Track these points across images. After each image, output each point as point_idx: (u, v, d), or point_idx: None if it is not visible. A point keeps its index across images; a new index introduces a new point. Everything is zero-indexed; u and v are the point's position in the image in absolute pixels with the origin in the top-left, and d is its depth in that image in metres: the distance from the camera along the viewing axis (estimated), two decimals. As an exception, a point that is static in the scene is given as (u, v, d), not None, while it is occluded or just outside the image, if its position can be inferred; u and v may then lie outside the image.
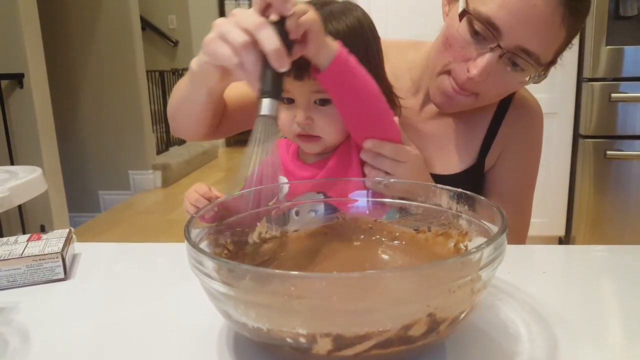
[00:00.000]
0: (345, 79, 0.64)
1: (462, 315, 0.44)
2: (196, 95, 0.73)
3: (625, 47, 2.06)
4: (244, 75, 0.57)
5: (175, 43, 5.14)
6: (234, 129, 0.92)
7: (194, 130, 0.85)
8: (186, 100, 0.78)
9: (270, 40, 0.54)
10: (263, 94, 0.56)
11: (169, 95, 0.89)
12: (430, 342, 0.43)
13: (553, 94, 2.22)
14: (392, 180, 0.66)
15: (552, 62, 0.79)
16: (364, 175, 0.72)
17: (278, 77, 0.56)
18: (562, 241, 2.43)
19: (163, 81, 4.70)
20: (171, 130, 0.93)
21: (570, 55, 2.22)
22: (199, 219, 0.53)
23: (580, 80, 2.19)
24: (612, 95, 2.09)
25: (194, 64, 0.65)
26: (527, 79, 0.78)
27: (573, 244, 2.30)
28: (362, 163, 0.73)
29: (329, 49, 0.62)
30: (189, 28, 5.14)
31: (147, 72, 4.06)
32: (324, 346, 0.40)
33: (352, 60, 0.64)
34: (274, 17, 0.56)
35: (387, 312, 0.41)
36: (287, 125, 0.73)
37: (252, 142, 0.56)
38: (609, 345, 0.51)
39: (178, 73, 4.71)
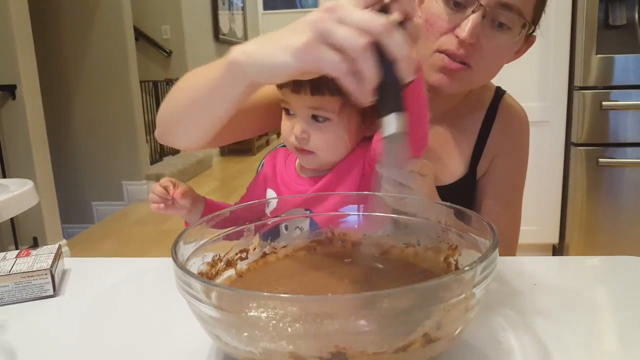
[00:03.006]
0: (419, 92, 0.58)
1: (456, 333, 0.44)
2: (229, 93, 0.61)
3: (616, 56, 2.08)
4: (354, 85, 0.48)
5: (169, 53, 5.13)
6: (232, 137, 0.85)
7: (198, 136, 0.72)
8: (207, 98, 0.64)
9: (403, 44, 0.46)
10: (386, 109, 0.48)
11: (157, 119, 0.75)
12: (424, 360, 0.43)
13: (545, 103, 2.24)
14: (414, 197, 0.63)
15: (535, 21, 0.80)
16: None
17: (398, 86, 0.48)
18: (555, 249, 2.43)
19: (157, 91, 4.70)
20: (161, 137, 0.78)
21: (561, 64, 2.26)
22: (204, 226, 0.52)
23: (571, 88, 2.21)
24: (603, 103, 2.11)
25: (241, 55, 0.55)
26: (515, 40, 0.79)
27: (567, 251, 2.30)
28: (363, 181, 0.72)
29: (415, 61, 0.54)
30: (182, 38, 5.14)
31: (140, 82, 4.06)
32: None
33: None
34: (397, 16, 0.49)
35: (382, 334, 0.40)
36: (286, 136, 0.74)
37: (387, 168, 0.49)
38: (603, 359, 0.51)
39: (172, 83, 4.70)
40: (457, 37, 0.77)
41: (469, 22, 0.75)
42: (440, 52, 0.79)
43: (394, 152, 0.49)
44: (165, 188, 0.77)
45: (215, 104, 0.64)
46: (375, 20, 0.46)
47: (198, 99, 0.66)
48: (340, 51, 0.47)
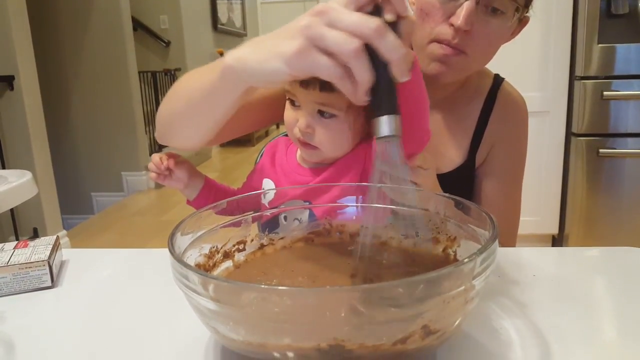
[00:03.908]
0: (418, 88, 0.58)
1: (455, 325, 0.44)
2: (225, 96, 0.61)
3: (617, 45, 2.06)
4: (347, 88, 0.48)
5: (167, 43, 5.10)
6: (232, 134, 0.86)
7: (198, 137, 0.72)
8: (204, 102, 0.64)
9: (396, 46, 0.46)
10: (379, 110, 0.47)
11: (161, 96, 0.76)
12: (423, 352, 0.43)
13: (545, 93, 2.23)
14: (419, 189, 0.64)
15: (527, 4, 0.80)
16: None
17: (392, 88, 0.48)
18: (555, 239, 2.43)
19: (155, 82, 4.67)
20: (161, 138, 0.78)
21: (562, 54, 2.24)
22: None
23: (572, 78, 2.19)
24: (605, 93, 2.09)
25: (235, 61, 0.55)
26: (509, 24, 0.79)
27: (566, 242, 2.30)
28: (364, 177, 0.72)
29: (411, 56, 0.52)
30: (181, 28, 5.10)
31: (139, 72, 4.04)
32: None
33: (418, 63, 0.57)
34: (390, 16, 0.48)
35: (380, 326, 0.40)
36: (290, 127, 0.73)
37: (378, 172, 0.49)
38: (602, 350, 0.51)
39: (170, 74, 4.68)
40: (452, 25, 0.77)
41: (463, 10, 0.75)
42: (436, 41, 0.79)
43: (387, 154, 0.49)
44: (161, 159, 0.81)
45: (212, 107, 0.64)
46: (366, 23, 0.46)
47: (195, 102, 0.66)
48: (333, 55, 0.47)
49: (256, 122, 0.89)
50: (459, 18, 0.75)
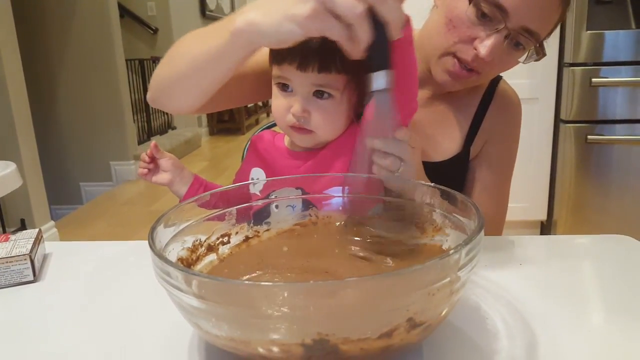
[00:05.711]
0: (408, 50, 0.61)
1: (441, 316, 0.43)
2: (232, 58, 0.63)
3: (606, 32, 2.06)
4: (350, 46, 0.53)
5: (155, 30, 5.04)
6: (223, 104, 0.87)
7: (194, 99, 0.73)
8: (209, 64, 0.65)
9: (394, 9, 0.51)
10: (375, 66, 0.53)
11: (149, 84, 0.77)
12: (408, 345, 0.43)
13: (534, 79, 2.23)
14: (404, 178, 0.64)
15: (545, 39, 0.81)
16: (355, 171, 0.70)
17: (387, 45, 0.52)
18: (543, 225, 2.45)
19: (143, 70, 4.62)
20: (156, 101, 0.79)
21: (551, 41, 2.23)
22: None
23: (561, 65, 2.19)
24: (593, 80, 2.09)
25: (246, 25, 0.57)
26: (524, 57, 0.81)
27: (555, 228, 2.32)
28: (357, 159, 0.71)
29: (403, 15, 0.55)
30: (168, 15, 5.04)
31: (126, 60, 3.98)
32: (299, 355, 0.39)
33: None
34: None
35: (365, 320, 0.39)
36: (281, 115, 0.72)
37: (374, 120, 0.55)
38: (589, 340, 0.51)
39: (158, 61, 4.63)
40: (474, 49, 0.77)
41: (490, 41, 0.75)
42: (454, 57, 0.80)
43: (381, 108, 0.54)
44: (146, 153, 0.82)
45: (217, 68, 0.66)
46: None
47: (200, 64, 0.67)
48: (339, 18, 0.51)
49: (247, 96, 0.90)
50: (485, 48, 0.75)
